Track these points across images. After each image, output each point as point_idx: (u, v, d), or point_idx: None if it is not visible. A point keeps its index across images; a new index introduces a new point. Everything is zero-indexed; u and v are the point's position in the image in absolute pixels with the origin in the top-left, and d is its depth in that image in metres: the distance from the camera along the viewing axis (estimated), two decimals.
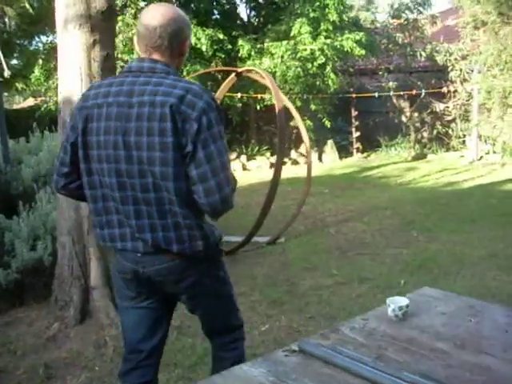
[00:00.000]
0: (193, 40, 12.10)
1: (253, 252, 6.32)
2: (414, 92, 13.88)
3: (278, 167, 5.72)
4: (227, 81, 6.82)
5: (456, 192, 9.36)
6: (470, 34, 14.39)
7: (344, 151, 15.87)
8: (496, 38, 12.70)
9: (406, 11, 15.64)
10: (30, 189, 5.19)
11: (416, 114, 16.08)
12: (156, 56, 2.12)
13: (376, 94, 12.83)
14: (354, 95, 13.29)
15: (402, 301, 2.08)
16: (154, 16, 2.10)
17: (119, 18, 11.60)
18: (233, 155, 14.37)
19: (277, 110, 5.64)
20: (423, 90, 13.95)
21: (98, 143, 2.10)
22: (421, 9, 15.50)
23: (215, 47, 12.52)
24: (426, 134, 16.60)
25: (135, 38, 2.19)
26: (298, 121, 7.07)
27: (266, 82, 6.76)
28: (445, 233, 6.63)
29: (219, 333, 2.48)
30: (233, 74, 6.68)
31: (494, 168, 11.75)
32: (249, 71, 6.66)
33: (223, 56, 12.67)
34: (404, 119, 17.28)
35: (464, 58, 14.20)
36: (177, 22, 2.12)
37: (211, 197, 2.04)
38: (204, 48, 12.23)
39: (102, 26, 3.86)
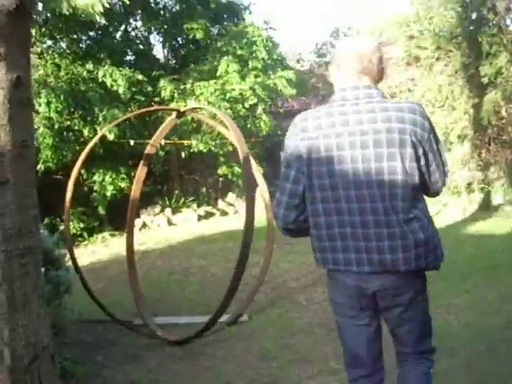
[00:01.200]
0: (108, 81, 10.72)
1: (212, 338, 4.91)
2: None
3: (248, 230, 4.38)
4: (167, 122, 5.51)
5: None
6: (403, 71, 13.86)
7: (275, 199, 14.73)
8: (430, 74, 12.12)
9: (332, 49, 14.95)
10: None
11: None
12: (365, 81, 2.26)
13: None
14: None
15: None
16: (364, 43, 2.33)
17: None
18: (156, 209, 12.89)
19: (241, 157, 4.36)
20: None
21: (331, 172, 2.22)
22: None
23: (133, 89, 11.14)
24: None
25: (332, 67, 2.33)
26: (254, 170, 5.83)
27: (216, 125, 5.53)
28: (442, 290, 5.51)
29: (416, 352, 2.46)
30: (173, 115, 5.37)
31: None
32: (193, 110, 5.35)
33: (143, 99, 11.30)
34: None
35: (393, 96, 13.58)
36: (380, 50, 2.34)
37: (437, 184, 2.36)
38: (121, 90, 10.82)
39: (8, 33, 2.47)
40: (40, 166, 9.81)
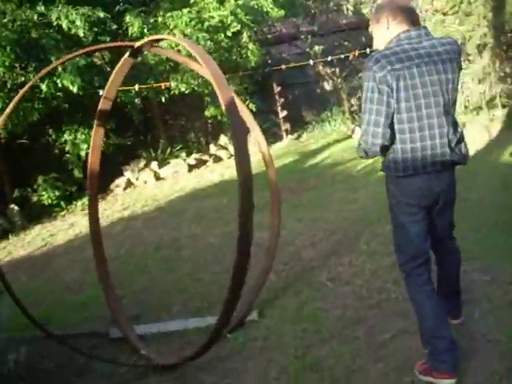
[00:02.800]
0: (64, 24, 9.09)
1: (212, 355, 3.58)
2: (342, 55, 11.36)
3: (245, 204, 2.95)
4: (119, 65, 4.02)
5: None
6: None
7: (270, 136, 13.28)
8: None
9: None
10: None
11: (341, 81, 13.69)
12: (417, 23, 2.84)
13: (311, 62, 10.21)
14: (283, 67, 10.57)
15: None
16: None
17: None
18: (141, 163, 11.47)
19: (223, 106, 2.92)
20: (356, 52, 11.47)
21: (416, 95, 2.69)
22: None
23: (96, 30, 9.50)
24: (355, 102, 14.30)
25: (390, 16, 2.81)
26: (247, 119, 4.35)
27: (187, 61, 4.09)
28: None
29: (450, 235, 3.15)
30: (126, 54, 3.89)
31: None
32: (152, 43, 3.84)
33: (108, 39, 9.66)
34: (328, 88, 14.91)
35: None
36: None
37: None
38: (81, 32, 9.19)
39: None
40: None
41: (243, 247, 3.06)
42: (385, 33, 2.84)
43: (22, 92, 3.82)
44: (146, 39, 3.68)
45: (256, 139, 4.50)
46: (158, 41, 3.76)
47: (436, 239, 3.05)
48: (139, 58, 10.15)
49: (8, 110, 3.71)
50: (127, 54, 3.94)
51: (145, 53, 8.91)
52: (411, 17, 2.80)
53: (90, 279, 5.46)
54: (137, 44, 3.75)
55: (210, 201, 8.32)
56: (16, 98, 3.79)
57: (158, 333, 4.13)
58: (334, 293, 4.20)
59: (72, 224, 8.87)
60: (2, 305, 3.87)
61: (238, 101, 4.23)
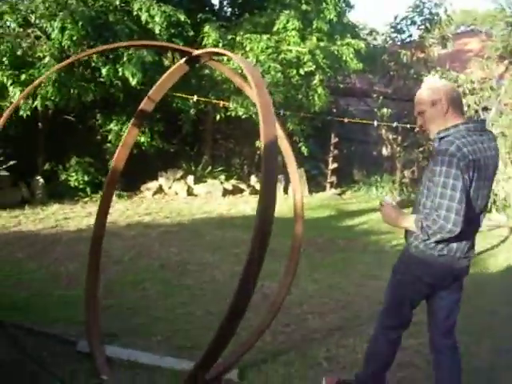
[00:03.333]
0: (143, 16, 8.97)
1: None
2: (408, 125, 10.92)
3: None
4: (173, 69, 3.73)
5: (485, 273, 6.45)
6: (486, 65, 11.79)
7: (314, 184, 12.93)
8: None
9: (411, 26, 12.86)
10: None
11: (400, 150, 13.25)
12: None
13: (375, 123, 9.84)
14: (346, 120, 10.21)
15: None
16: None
17: None
18: (178, 174, 11.20)
19: (263, 142, 2.56)
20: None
21: (479, 186, 2.82)
22: (428, 26, 12.68)
23: (172, 31, 9.36)
24: (408, 174, 13.85)
25: (447, 105, 2.84)
26: (289, 163, 3.98)
27: (242, 84, 3.77)
28: None
29: (450, 332, 3.12)
30: (182, 60, 3.59)
31: None
32: (211, 56, 3.51)
33: (181, 44, 9.49)
34: (385, 153, 14.51)
35: (472, 92, 11.52)
36: None
37: None
38: (157, 29, 9.07)
39: None
40: (36, 103, 8.11)
41: (241, 298, 2.69)
42: (441, 119, 2.86)
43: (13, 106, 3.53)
44: (205, 49, 3.36)
45: (293, 187, 4.13)
46: (217, 54, 3.44)
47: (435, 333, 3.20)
48: (206, 71, 9.97)
49: (8, 112, 3.42)
50: (183, 60, 3.64)
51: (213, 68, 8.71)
52: (462, 109, 2.91)
53: (84, 277, 5.12)
54: (195, 52, 3.44)
55: (232, 232, 7.94)
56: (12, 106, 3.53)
57: (127, 360, 3.74)
58: (326, 375, 3.75)
59: (90, 213, 8.59)
60: None
61: (284, 140, 3.90)
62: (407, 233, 3.01)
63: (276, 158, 2.69)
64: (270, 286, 5.37)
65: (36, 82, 3.65)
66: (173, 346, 4.04)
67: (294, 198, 4.06)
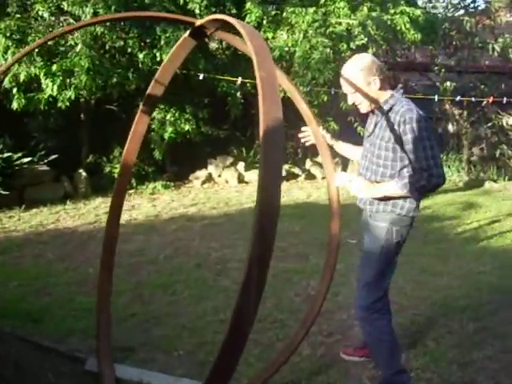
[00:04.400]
0: None
1: None
2: (473, 99, 9.99)
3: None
4: (177, 45, 3.20)
5: None
6: None
7: None
8: None
9: None
10: None
11: (467, 126, 12.31)
12: None
13: (436, 98, 9.00)
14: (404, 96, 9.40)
15: None
16: None
17: None
18: (228, 160, 10.71)
19: (261, 128, 1.98)
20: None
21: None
22: None
23: (213, 9, 8.82)
24: (477, 152, 12.90)
25: (380, 77, 3.02)
26: (320, 147, 3.39)
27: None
28: None
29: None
30: (186, 33, 3.04)
31: None
32: (216, 25, 2.91)
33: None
34: (451, 130, 13.55)
35: None
36: None
37: None
38: (197, 9, 8.57)
39: None
40: (70, 94, 7.72)
41: (242, 310, 2.13)
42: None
43: None
44: (208, 17, 2.78)
45: (327, 175, 3.54)
46: (220, 22, 2.83)
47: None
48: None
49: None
50: (187, 33, 3.08)
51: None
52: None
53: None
54: (198, 22, 2.88)
55: (280, 223, 7.35)
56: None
57: (138, 382, 3.26)
58: None
59: (133, 206, 8.23)
60: None
61: (313, 123, 3.34)
62: (371, 204, 3.07)
63: (281, 146, 2.09)
64: (315, 286, 4.79)
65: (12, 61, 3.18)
66: (195, 362, 3.54)
67: (328, 189, 3.46)
